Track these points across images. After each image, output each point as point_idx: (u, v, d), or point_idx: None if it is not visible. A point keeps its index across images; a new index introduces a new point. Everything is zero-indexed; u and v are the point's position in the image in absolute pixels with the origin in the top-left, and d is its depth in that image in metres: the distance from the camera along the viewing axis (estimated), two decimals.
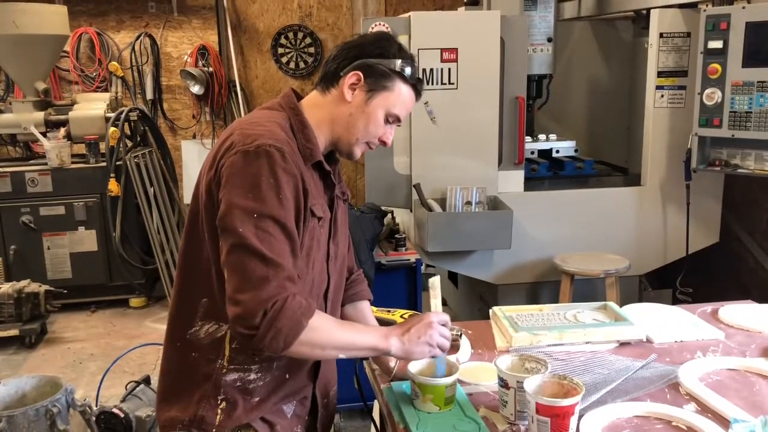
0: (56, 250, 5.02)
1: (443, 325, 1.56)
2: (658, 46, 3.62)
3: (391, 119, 1.58)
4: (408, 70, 1.55)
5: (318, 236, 1.54)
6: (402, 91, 1.56)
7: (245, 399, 1.50)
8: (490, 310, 2.09)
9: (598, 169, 4.09)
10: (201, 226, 1.48)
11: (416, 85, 1.59)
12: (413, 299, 3.36)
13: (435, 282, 1.67)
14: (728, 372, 1.73)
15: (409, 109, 1.62)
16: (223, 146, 1.45)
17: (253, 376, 1.50)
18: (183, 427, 1.50)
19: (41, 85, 5.24)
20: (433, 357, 1.56)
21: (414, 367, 1.60)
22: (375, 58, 1.53)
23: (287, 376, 1.55)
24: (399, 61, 1.54)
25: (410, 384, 1.61)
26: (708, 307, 2.18)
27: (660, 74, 3.65)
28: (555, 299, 3.64)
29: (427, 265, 3.69)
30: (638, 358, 1.79)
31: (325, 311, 1.59)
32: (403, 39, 3.42)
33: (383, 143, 1.61)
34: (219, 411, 1.49)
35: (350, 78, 1.53)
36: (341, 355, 1.49)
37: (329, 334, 1.44)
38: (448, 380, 1.55)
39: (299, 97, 1.61)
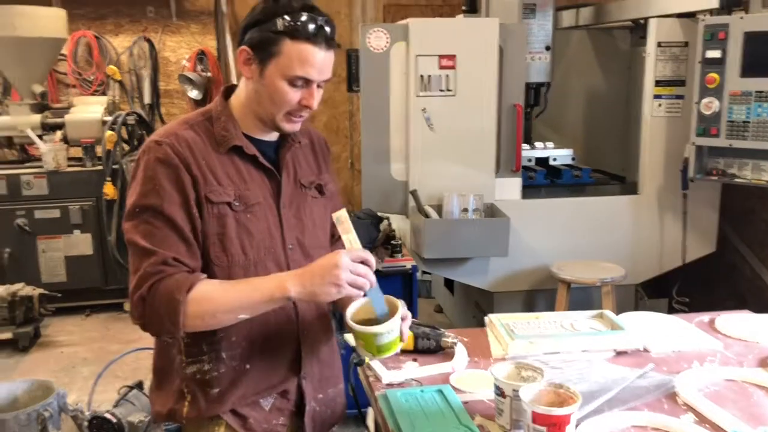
0: (51, 254, 4.99)
1: (361, 261, 1.40)
2: (656, 56, 3.63)
3: (299, 83, 1.45)
4: (297, 25, 1.40)
5: (245, 222, 1.49)
6: (294, 51, 1.41)
7: (205, 391, 1.53)
8: (486, 318, 2.07)
9: (595, 178, 4.08)
10: None
11: (310, 38, 1.41)
12: (409, 306, 3.31)
13: (341, 216, 1.47)
14: (726, 382, 1.71)
15: (317, 65, 1.44)
16: None
17: (206, 366, 1.52)
18: (161, 419, 1.59)
19: (38, 88, 5.23)
20: (365, 296, 1.44)
21: (352, 307, 1.50)
22: (256, 27, 1.44)
23: (247, 366, 1.53)
24: (280, 20, 1.41)
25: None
26: (705, 317, 2.17)
27: (657, 83, 3.66)
28: (551, 307, 3.63)
29: (423, 272, 3.68)
30: (635, 367, 1.77)
31: (294, 308, 1.56)
32: (401, 45, 3.47)
33: (306, 107, 1.48)
34: (186, 404, 1.54)
35: (240, 56, 1.49)
36: (241, 316, 1.42)
37: (215, 301, 1.41)
38: (377, 329, 1.43)
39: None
